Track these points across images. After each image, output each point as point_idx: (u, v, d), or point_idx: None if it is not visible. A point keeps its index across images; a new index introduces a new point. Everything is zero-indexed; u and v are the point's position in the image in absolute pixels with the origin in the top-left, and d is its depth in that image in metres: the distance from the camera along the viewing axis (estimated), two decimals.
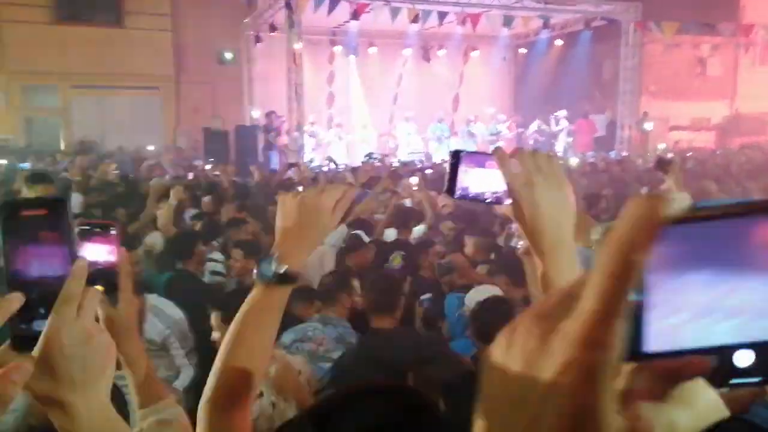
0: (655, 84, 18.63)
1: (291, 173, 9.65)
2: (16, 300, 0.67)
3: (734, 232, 0.32)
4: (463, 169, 0.97)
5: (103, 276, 1.23)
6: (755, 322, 0.33)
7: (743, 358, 0.34)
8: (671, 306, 0.33)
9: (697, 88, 19.97)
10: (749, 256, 0.32)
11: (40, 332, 0.70)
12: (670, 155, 10.84)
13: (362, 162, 12.69)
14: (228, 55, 16.86)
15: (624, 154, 14.17)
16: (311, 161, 13.80)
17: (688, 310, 0.33)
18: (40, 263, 0.72)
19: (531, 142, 17.25)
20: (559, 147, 16.68)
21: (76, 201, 6.25)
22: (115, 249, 1.19)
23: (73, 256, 0.73)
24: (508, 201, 0.93)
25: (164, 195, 5.80)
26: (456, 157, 0.98)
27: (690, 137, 19.03)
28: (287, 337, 3.07)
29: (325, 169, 13.46)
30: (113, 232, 1.24)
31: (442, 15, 13.68)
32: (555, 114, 16.88)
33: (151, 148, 14.57)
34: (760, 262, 0.32)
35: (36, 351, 0.69)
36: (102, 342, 0.76)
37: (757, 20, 17.99)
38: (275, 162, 14.13)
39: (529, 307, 0.35)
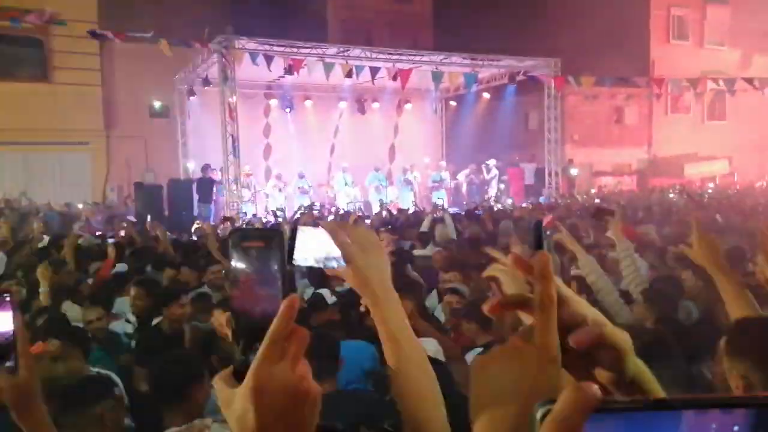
0: (577, 132, 19.74)
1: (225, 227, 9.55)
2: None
3: (654, 423, 0.40)
4: (300, 238, 1.12)
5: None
6: None
7: None
8: None
9: (616, 135, 21.29)
10: None
11: None
12: (608, 205, 11.12)
13: (300, 213, 12.71)
14: (160, 109, 16.72)
15: (551, 200, 14.80)
16: (247, 214, 13.68)
17: None
18: (258, 295, 0.72)
19: (464, 187, 17.83)
20: (492, 192, 17.29)
21: (0, 261, 6.04)
22: (10, 316, 1.20)
23: (285, 292, 0.71)
24: (342, 264, 1.11)
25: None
26: (293, 230, 1.14)
27: (613, 182, 20.11)
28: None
29: (264, 220, 13.41)
30: (7, 299, 1.22)
31: (374, 70, 14.14)
32: (486, 163, 17.54)
33: (80, 205, 14.07)
34: None
35: (242, 386, 0.66)
36: (299, 392, 0.66)
37: (666, 73, 19.51)
38: (211, 215, 13.96)
39: None
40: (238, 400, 0.65)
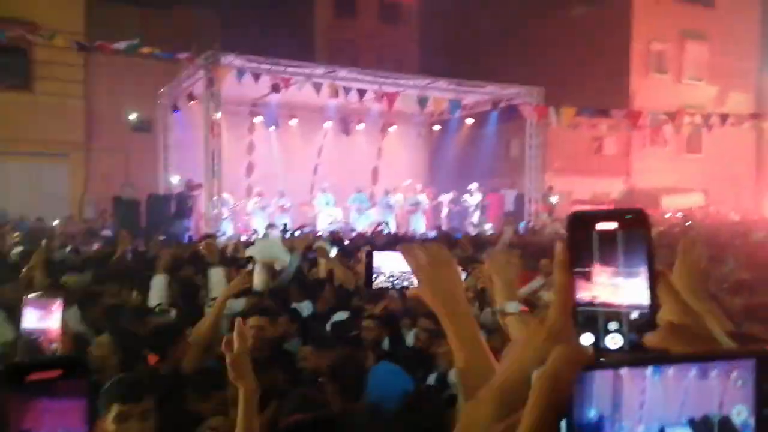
0: (558, 161, 20.00)
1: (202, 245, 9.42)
2: None
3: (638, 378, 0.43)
4: (376, 263, 1.26)
5: (34, 348, 1.22)
6: None
7: None
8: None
9: (595, 165, 21.62)
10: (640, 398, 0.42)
11: None
12: None
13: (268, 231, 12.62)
14: (142, 123, 16.60)
15: (530, 225, 14.93)
16: (223, 233, 13.53)
17: None
18: None
19: (445, 211, 17.91)
20: (474, 218, 17.36)
21: None
22: (57, 319, 1.21)
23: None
24: (416, 283, 1.22)
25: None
26: (369, 255, 1.26)
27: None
28: None
29: (244, 238, 13.26)
30: (58, 302, 1.24)
31: (361, 92, 14.23)
32: (469, 187, 17.66)
33: (55, 222, 13.76)
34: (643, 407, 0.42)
35: None
36: None
37: (645, 105, 19.93)
38: (186, 230, 13.76)
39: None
40: None
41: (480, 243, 10.52)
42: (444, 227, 15.97)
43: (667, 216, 18.43)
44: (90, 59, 16.33)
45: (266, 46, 16.77)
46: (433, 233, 13.46)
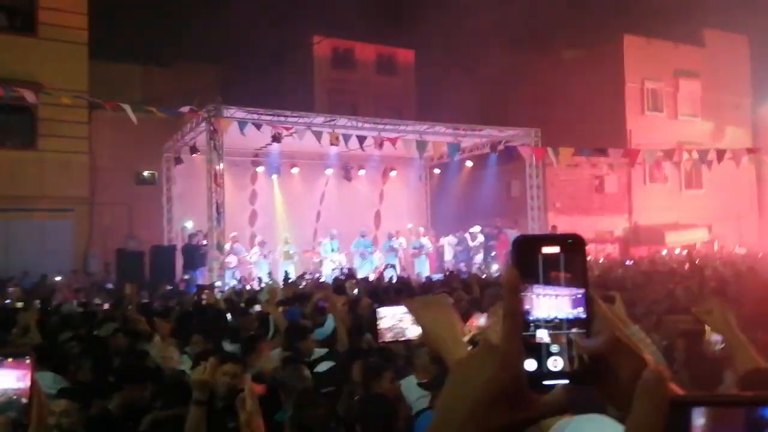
0: (559, 200, 20.05)
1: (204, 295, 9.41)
2: None
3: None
4: (382, 317, 1.37)
5: (11, 406, 1.24)
6: None
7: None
8: None
9: (597, 203, 21.65)
10: None
11: None
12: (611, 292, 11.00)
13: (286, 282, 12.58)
14: (147, 177, 16.77)
15: None
16: (228, 282, 13.47)
17: None
18: None
19: (451, 254, 17.86)
20: (478, 259, 17.30)
21: None
22: (28, 374, 1.25)
23: None
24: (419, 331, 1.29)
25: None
26: (374, 312, 1.38)
27: (597, 249, 20.28)
28: None
29: (248, 287, 13.21)
30: (27, 361, 1.25)
31: (362, 139, 14.40)
32: (471, 230, 17.67)
33: (58, 278, 13.72)
34: None
35: None
36: None
37: (643, 143, 20.14)
38: (197, 280, 13.73)
39: None
40: None
41: (487, 284, 10.44)
42: (447, 270, 15.88)
43: (674, 252, 18.35)
44: (94, 116, 16.62)
45: (266, 98, 17.13)
46: (438, 276, 13.36)
